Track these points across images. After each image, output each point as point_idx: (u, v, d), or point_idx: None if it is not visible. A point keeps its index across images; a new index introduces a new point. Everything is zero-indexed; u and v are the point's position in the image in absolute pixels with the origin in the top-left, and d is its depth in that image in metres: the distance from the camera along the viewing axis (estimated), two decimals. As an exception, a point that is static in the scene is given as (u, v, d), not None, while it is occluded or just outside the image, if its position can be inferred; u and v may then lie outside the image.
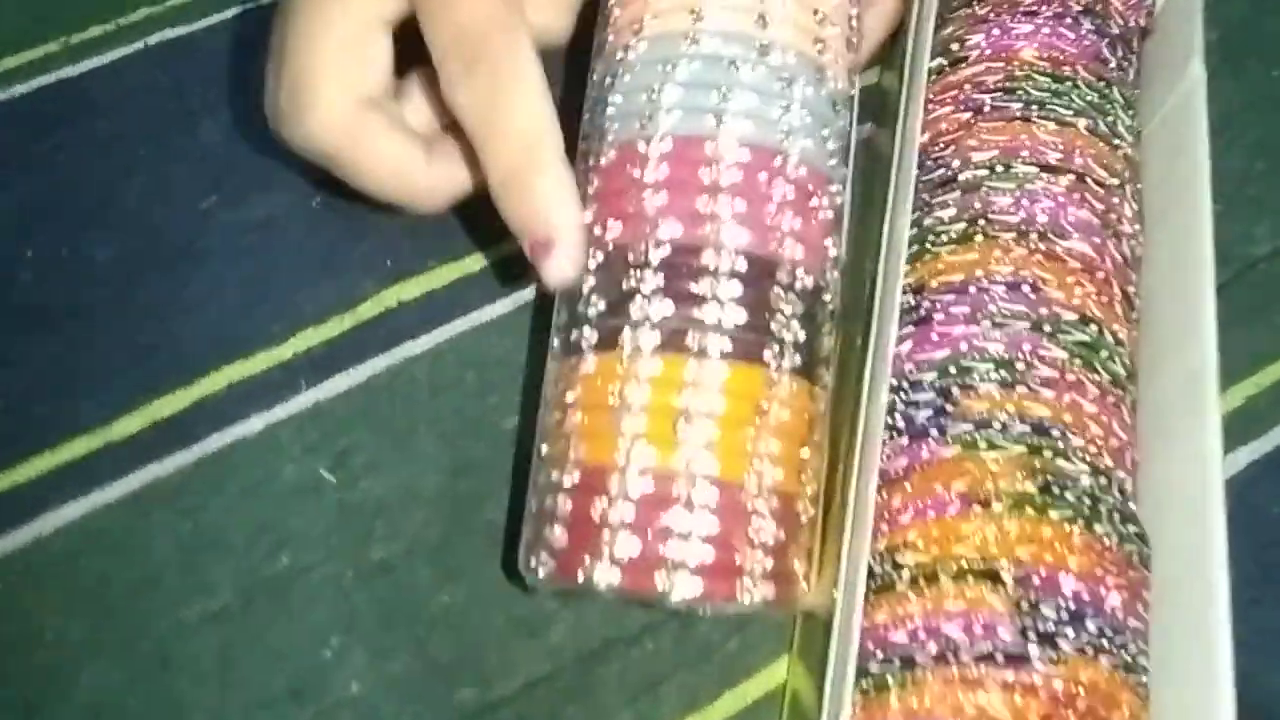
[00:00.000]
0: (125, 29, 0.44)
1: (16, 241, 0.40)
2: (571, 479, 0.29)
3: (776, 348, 0.29)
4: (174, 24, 0.45)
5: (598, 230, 0.31)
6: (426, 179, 0.34)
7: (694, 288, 0.29)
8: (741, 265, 0.29)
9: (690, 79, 0.31)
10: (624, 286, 0.30)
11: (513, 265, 0.41)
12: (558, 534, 0.29)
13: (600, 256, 0.31)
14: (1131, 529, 0.30)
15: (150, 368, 0.38)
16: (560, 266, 0.30)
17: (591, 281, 0.30)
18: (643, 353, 0.29)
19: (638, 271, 0.30)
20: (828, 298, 0.31)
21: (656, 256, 0.29)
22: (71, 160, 0.42)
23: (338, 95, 0.32)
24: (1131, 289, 0.33)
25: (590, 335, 0.30)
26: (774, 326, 0.29)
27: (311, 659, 0.34)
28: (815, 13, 0.32)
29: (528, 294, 0.40)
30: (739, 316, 0.29)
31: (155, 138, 0.42)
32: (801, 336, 0.30)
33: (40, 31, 0.44)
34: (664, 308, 0.29)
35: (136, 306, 0.39)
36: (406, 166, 0.34)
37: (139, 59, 0.44)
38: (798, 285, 0.30)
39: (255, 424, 0.38)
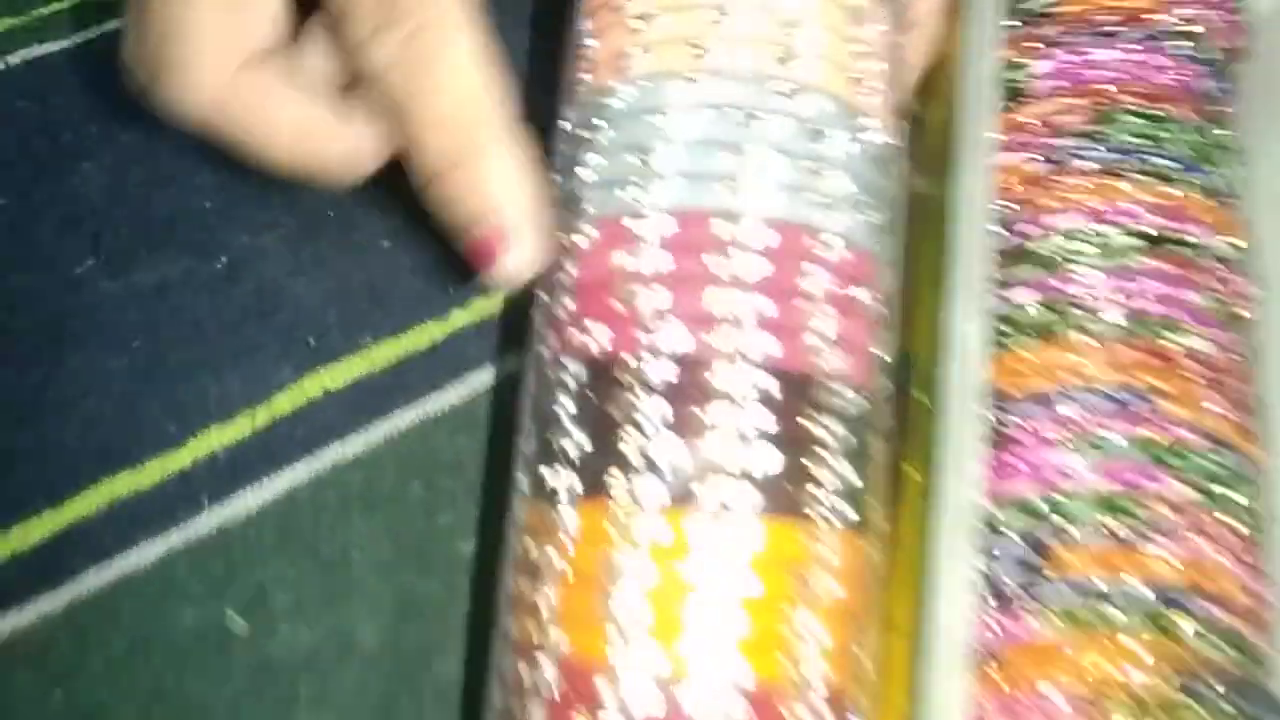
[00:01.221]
0: (-18, 46, 0.36)
1: None
2: (548, 680, 0.22)
3: (821, 497, 0.22)
4: (42, 39, 0.36)
5: (578, 337, 0.23)
6: (340, 143, 0.28)
7: (709, 419, 0.22)
8: (771, 386, 0.22)
9: (695, 135, 0.23)
10: (615, 416, 0.22)
11: (466, 340, 0.33)
12: (530, 762, 0.21)
13: (582, 373, 0.23)
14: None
15: (6, 484, 0.31)
16: (518, 262, 0.25)
17: (571, 407, 0.23)
18: (644, 509, 0.22)
19: (633, 396, 0.22)
20: (880, 419, 0.24)
21: (658, 376, 0.22)
22: (-87, 217, 0.33)
23: (219, 50, 0.26)
24: (1259, 393, 0.26)
25: (571, 480, 0.22)
26: (814, 468, 0.22)
27: None
28: (853, 43, 0.24)
29: (484, 377, 0.33)
30: (770, 457, 0.22)
31: (19, 184, 0.34)
32: (851, 476, 0.23)
33: None
34: (671, 447, 0.22)
35: (-8, 405, 0.31)
36: (312, 130, 0.27)
37: (1, 82, 0.35)
38: (845, 408, 0.23)
39: (145, 555, 0.30)
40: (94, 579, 0.30)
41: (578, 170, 0.25)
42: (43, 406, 0.31)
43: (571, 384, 0.23)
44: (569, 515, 0.22)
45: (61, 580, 0.30)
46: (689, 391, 0.22)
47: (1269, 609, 0.24)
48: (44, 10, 0.36)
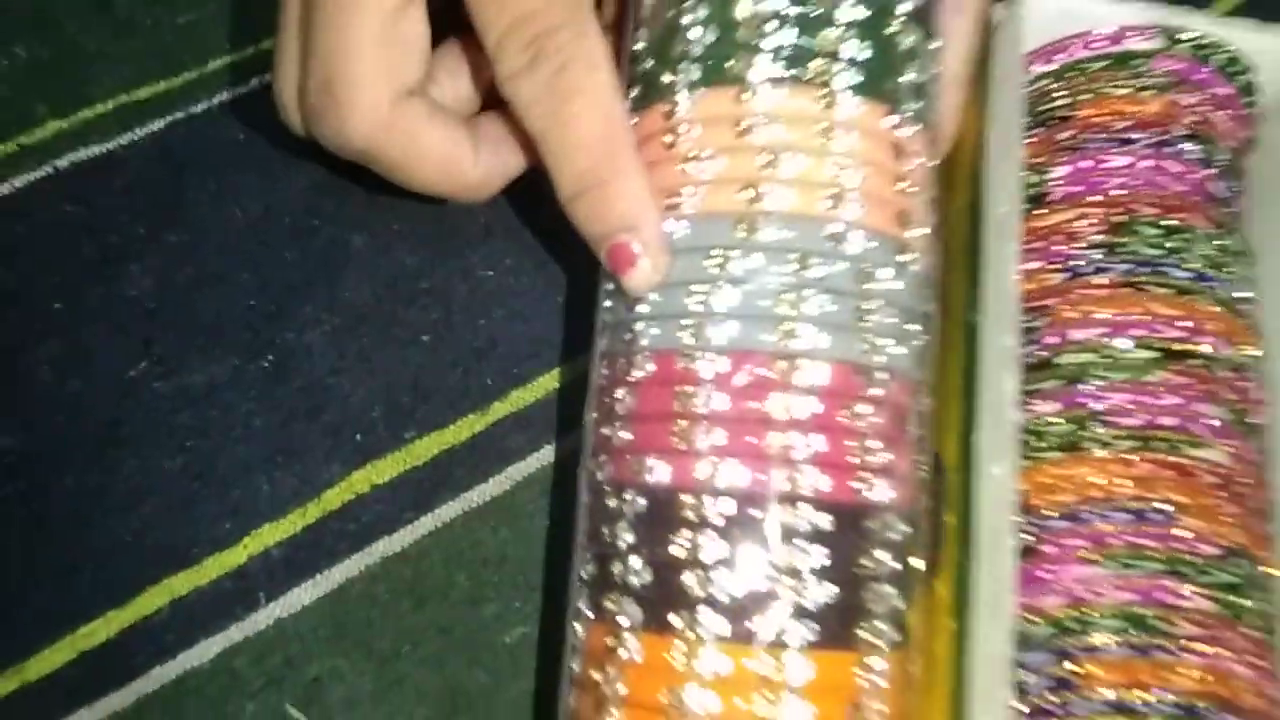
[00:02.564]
0: (31, 149, 0.37)
1: (-97, 429, 0.33)
2: (619, 804, 0.23)
3: (872, 625, 0.23)
4: (88, 141, 0.37)
5: (635, 468, 0.25)
6: (475, 169, 0.31)
7: (767, 555, 0.23)
8: (825, 521, 0.23)
9: (748, 277, 0.24)
10: (676, 551, 0.23)
11: (505, 432, 0.34)
12: None
13: (640, 504, 0.24)
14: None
15: (72, 585, 0.31)
16: (646, 274, 0.26)
17: (629, 538, 0.24)
18: (705, 643, 0.23)
19: (694, 533, 0.23)
20: (920, 538, 0.25)
21: (716, 514, 0.23)
22: (-32, 322, 0.34)
23: (378, 88, 0.29)
24: (1272, 496, 0.28)
25: (633, 612, 0.24)
26: (867, 598, 0.23)
27: None
28: (897, 179, 0.26)
29: (525, 468, 0.34)
30: (825, 592, 0.23)
31: (69, 288, 0.35)
32: (896, 600, 0.24)
33: (-75, 156, 0.36)
34: (730, 583, 0.23)
35: (52, 506, 0.32)
36: (454, 158, 0.31)
37: (47, 186, 0.36)
38: (891, 536, 0.24)
39: (206, 651, 0.31)
40: (159, 676, 0.31)
41: (629, 300, 0.26)
42: (103, 509, 0.32)
43: (630, 516, 0.25)
44: (633, 644, 0.24)
45: (128, 678, 0.31)
46: (746, 529, 0.23)
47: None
48: (88, 113, 0.37)
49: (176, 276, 0.35)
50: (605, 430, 0.26)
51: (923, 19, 0.27)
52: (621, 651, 0.24)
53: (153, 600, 0.32)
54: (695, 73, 0.26)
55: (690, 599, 0.23)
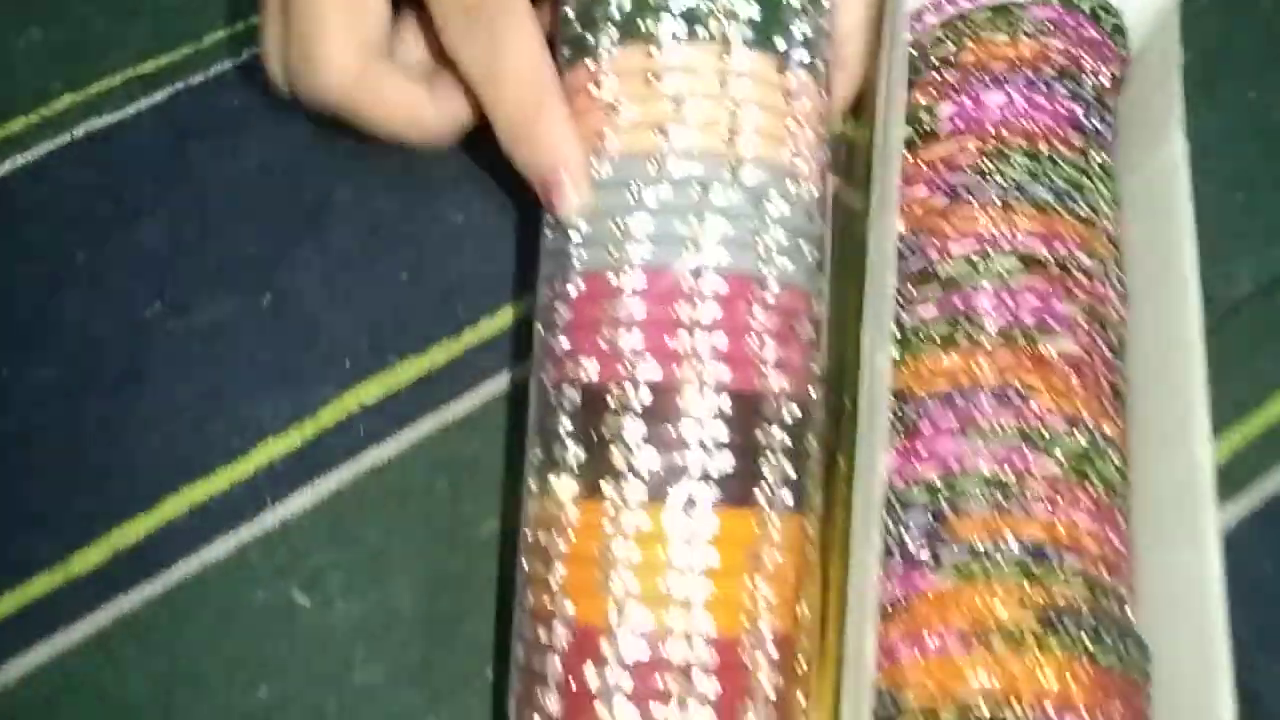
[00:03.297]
0: (50, 120, 0.42)
1: (-49, 366, 0.38)
2: (561, 640, 0.28)
3: (767, 489, 0.28)
4: (100, 111, 0.42)
5: (571, 368, 0.29)
6: (434, 117, 0.36)
7: (678, 433, 0.28)
8: (726, 405, 0.28)
9: (660, 205, 0.29)
10: (604, 432, 0.28)
11: (478, 356, 0.39)
12: (552, 701, 0.28)
13: (576, 397, 0.29)
14: (1132, 645, 0.29)
15: (106, 494, 0.37)
16: (570, 201, 0.31)
17: (568, 424, 0.29)
18: (628, 506, 0.28)
19: (618, 417, 0.28)
20: (814, 421, 0.30)
21: (636, 401, 0.28)
22: (3, 272, 0.39)
23: (348, 48, 0.34)
24: (1119, 380, 0.32)
25: (570, 485, 0.29)
26: (763, 467, 0.28)
27: (300, 796, 0.34)
28: (786, 118, 0.30)
29: (496, 385, 0.39)
30: (726, 462, 0.28)
31: (89, 242, 0.40)
32: (791, 471, 0.29)
33: (-43, 128, 0.41)
34: (648, 457, 0.28)
35: (86, 430, 0.37)
36: (415, 108, 0.35)
37: (66, 153, 0.41)
38: (785, 417, 0.29)
39: (222, 547, 0.36)
40: (184, 569, 0.36)
41: (564, 230, 0.31)
42: (128, 430, 0.37)
43: (568, 406, 0.29)
44: (571, 512, 0.29)
45: (157, 571, 0.36)
46: (662, 413, 0.28)
47: (1123, 558, 0.31)
48: (100, 87, 0.42)
49: (184, 228, 0.40)
50: (549, 339, 0.31)
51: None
52: (563, 516, 0.29)
53: (175, 506, 0.37)
54: (613, 33, 0.31)
55: (616, 471, 0.28)
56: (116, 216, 0.40)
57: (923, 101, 0.36)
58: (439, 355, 0.39)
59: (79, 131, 0.42)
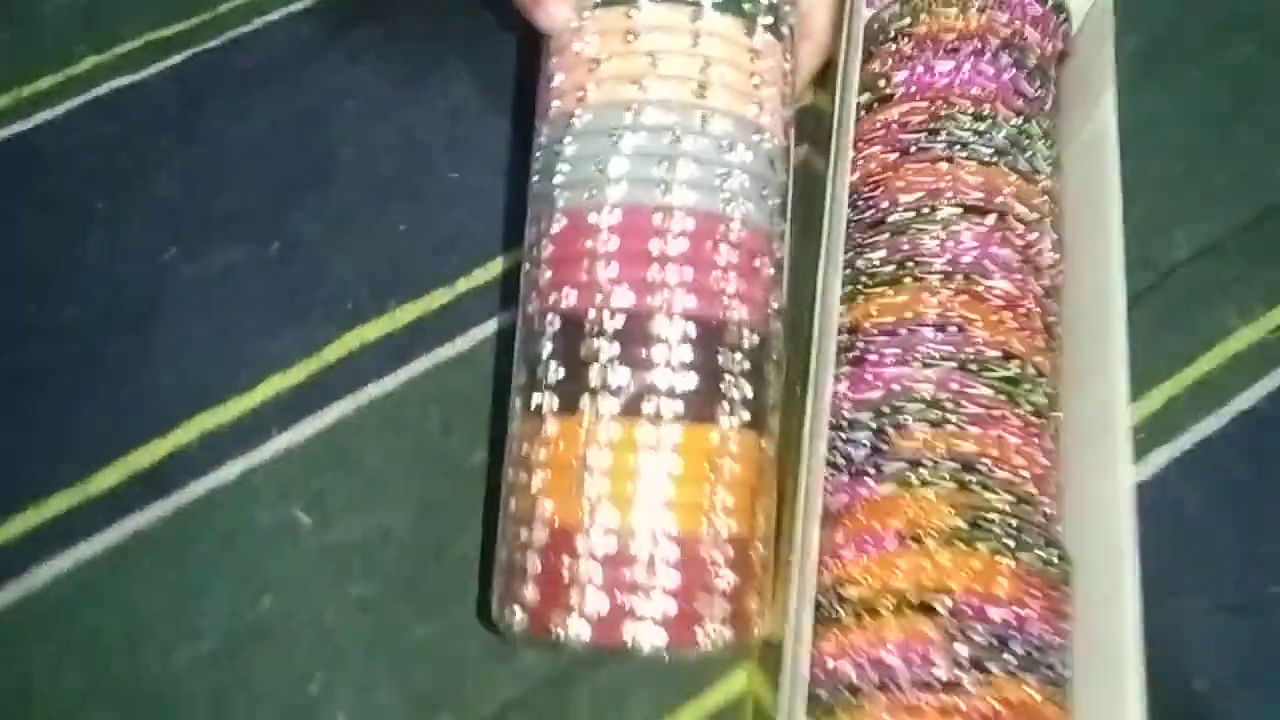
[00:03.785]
0: (74, 79, 0.45)
1: (-18, 304, 0.41)
2: (539, 538, 0.31)
3: (726, 406, 0.32)
4: (121, 72, 0.45)
5: (553, 297, 0.33)
6: None
7: (648, 355, 0.31)
8: (691, 331, 0.31)
9: (635, 150, 0.32)
10: (581, 354, 0.32)
11: (470, 302, 0.42)
12: (529, 592, 0.31)
13: (556, 323, 0.32)
14: (1054, 552, 0.32)
15: (124, 422, 0.40)
16: (549, 14, 0.34)
17: (549, 347, 0.32)
18: (602, 418, 0.31)
19: (594, 340, 0.31)
20: (772, 350, 0.33)
21: (611, 325, 0.31)
22: (29, 219, 0.43)
23: None
24: (1053, 319, 0.36)
25: (551, 400, 0.32)
26: (723, 387, 0.32)
27: (298, 697, 0.37)
28: (752, 75, 0.34)
29: (485, 330, 0.42)
30: (690, 381, 0.31)
31: (110, 192, 0.43)
32: (749, 392, 0.32)
33: (-10, 84, 0.45)
34: (621, 375, 0.31)
35: (106, 363, 0.41)
36: None
37: (89, 110, 0.45)
38: (744, 344, 0.32)
39: (230, 471, 0.40)
40: (194, 490, 0.39)
41: (549, 174, 0.34)
42: (146, 363, 0.41)
43: (550, 331, 0.33)
44: (551, 424, 0.32)
45: (169, 492, 0.39)
46: (633, 336, 0.31)
47: (1050, 474, 0.34)
48: (121, 50, 0.45)
49: (197, 181, 0.43)
50: (533, 273, 0.34)
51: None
52: (544, 429, 0.32)
53: (187, 432, 0.40)
54: (597, -4, 0.34)
55: (592, 388, 0.31)
56: (135, 169, 0.43)
57: (880, 69, 0.39)
58: (434, 301, 0.43)
59: (101, 90, 0.45)
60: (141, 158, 0.44)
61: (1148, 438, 0.42)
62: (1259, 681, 0.38)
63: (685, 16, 0.33)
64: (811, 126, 0.44)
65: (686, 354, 0.31)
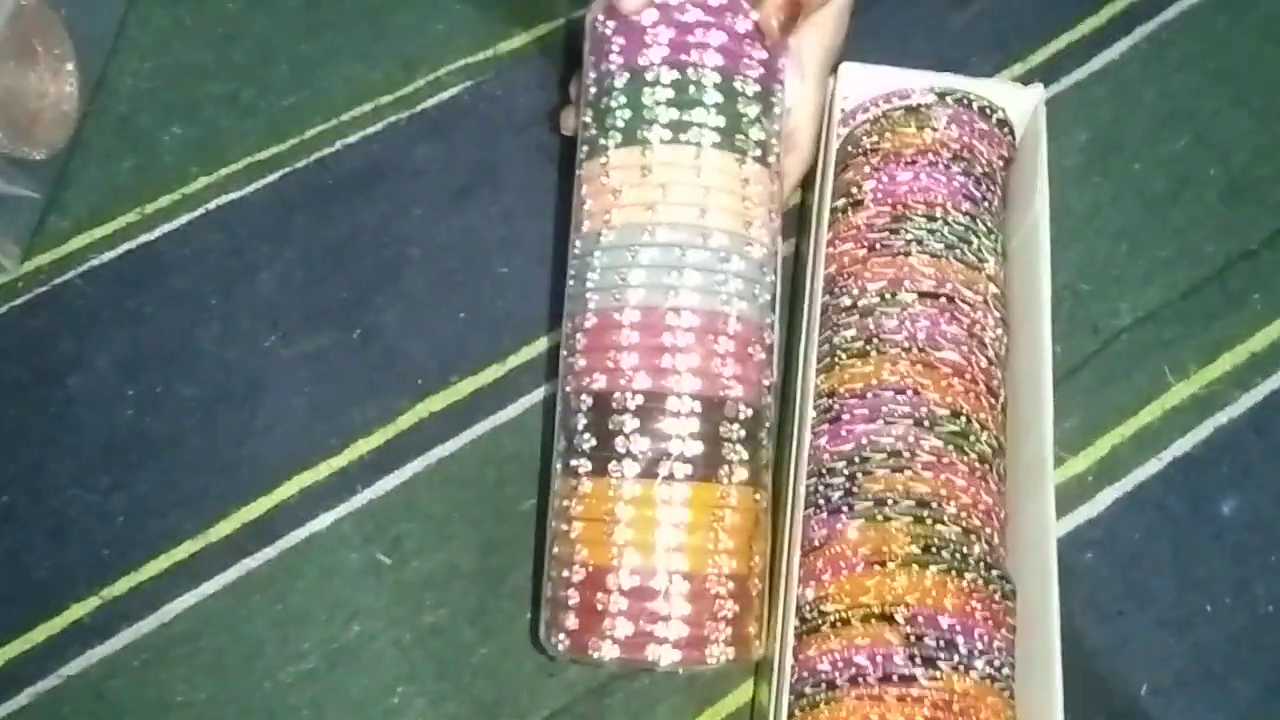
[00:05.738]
0: (189, 197, 0.54)
1: (119, 384, 0.50)
2: (578, 576, 0.39)
3: (727, 468, 0.39)
4: (228, 189, 0.54)
5: (586, 380, 0.41)
6: None
7: (662, 427, 0.39)
8: (697, 407, 0.39)
9: (650, 262, 0.40)
10: (609, 426, 0.39)
11: (519, 376, 0.51)
12: (570, 620, 0.39)
13: (589, 401, 0.40)
14: (995, 573, 0.40)
15: (236, 481, 0.49)
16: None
17: (583, 421, 0.40)
18: (626, 479, 0.39)
19: (619, 415, 0.39)
20: (765, 419, 0.41)
21: (632, 403, 0.39)
22: (155, 313, 0.51)
23: None
24: (996, 382, 0.43)
25: (585, 465, 0.40)
26: (724, 452, 0.39)
27: (383, 706, 0.45)
28: (744, 199, 0.42)
29: (533, 398, 0.50)
30: (697, 448, 0.39)
31: (222, 289, 0.52)
32: (745, 455, 0.40)
33: (119, 203, 0.54)
34: (641, 444, 0.39)
35: (219, 432, 0.49)
36: None
37: (202, 222, 0.54)
38: (740, 416, 0.40)
39: (324, 521, 0.48)
40: (294, 537, 0.48)
41: (582, 280, 0.42)
42: (252, 432, 0.49)
43: (583, 408, 0.41)
44: (585, 484, 0.40)
45: (274, 539, 0.47)
46: (651, 412, 0.39)
47: (993, 511, 0.42)
48: (226, 171, 0.54)
49: (292, 279, 0.52)
50: (570, 360, 0.42)
51: (766, 94, 0.43)
52: (580, 487, 0.40)
53: (287, 490, 0.48)
54: (618, 138, 0.42)
55: (618, 454, 0.39)
56: (241, 270, 0.52)
57: (853, 177, 0.47)
58: (489, 375, 0.51)
59: (211, 205, 0.54)
60: (246, 261, 0.53)
61: (1096, 480, 0.49)
62: (1195, 688, 0.46)
63: (689, 154, 0.41)
64: (799, 222, 0.52)
65: (694, 426, 0.39)
